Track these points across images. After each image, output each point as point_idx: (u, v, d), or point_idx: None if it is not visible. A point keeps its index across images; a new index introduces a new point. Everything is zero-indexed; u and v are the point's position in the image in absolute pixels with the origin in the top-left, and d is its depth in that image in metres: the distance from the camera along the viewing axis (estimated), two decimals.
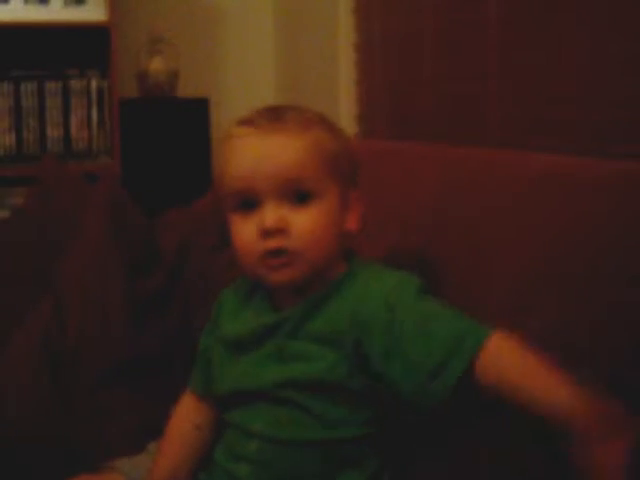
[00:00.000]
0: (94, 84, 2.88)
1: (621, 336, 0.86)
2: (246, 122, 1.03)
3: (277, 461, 0.99)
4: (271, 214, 0.97)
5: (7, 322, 1.42)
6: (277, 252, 0.97)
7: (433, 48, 1.95)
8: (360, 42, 2.46)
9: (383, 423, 0.99)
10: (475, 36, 1.75)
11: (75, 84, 2.88)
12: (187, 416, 1.13)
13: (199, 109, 2.87)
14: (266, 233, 0.97)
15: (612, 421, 0.78)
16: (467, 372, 0.87)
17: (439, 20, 1.91)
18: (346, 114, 2.48)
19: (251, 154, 1.00)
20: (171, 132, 2.85)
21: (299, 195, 0.99)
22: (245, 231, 1.00)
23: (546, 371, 0.83)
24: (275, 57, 3.20)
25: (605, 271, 0.90)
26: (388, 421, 1.00)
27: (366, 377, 0.96)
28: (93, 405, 1.27)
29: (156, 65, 2.90)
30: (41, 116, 2.87)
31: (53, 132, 2.88)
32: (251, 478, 0.99)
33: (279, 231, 0.97)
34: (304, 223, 0.98)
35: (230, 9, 3.18)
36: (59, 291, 1.42)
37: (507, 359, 0.86)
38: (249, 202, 1.00)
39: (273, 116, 1.02)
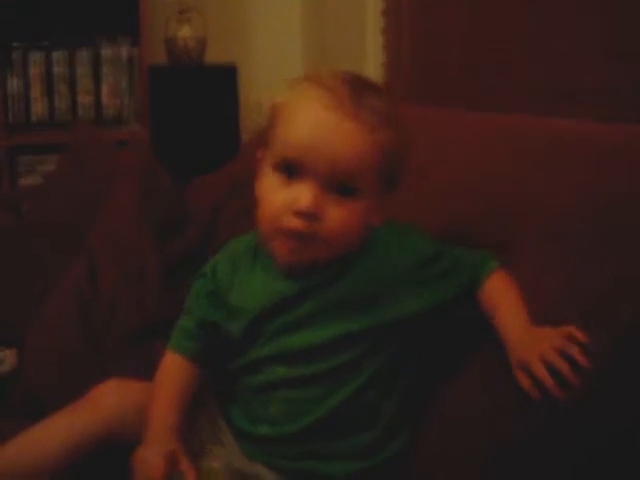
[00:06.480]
0: (124, 52, 2.90)
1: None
2: (326, 88, 0.95)
3: (299, 416, 0.99)
4: (309, 195, 0.93)
5: (43, 285, 1.46)
6: (300, 235, 0.95)
7: (462, 13, 1.94)
8: (388, 7, 2.45)
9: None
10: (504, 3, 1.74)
11: (105, 52, 2.91)
12: (176, 378, 1.08)
13: (227, 76, 2.88)
14: (297, 213, 0.94)
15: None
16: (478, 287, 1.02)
17: None
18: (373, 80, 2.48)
19: (316, 128, 0.93)
20: (200, 99, 2.86)
21: (344, 188, 0.95)
22: (278, 197, 0.96)
23: (516, 305, 0.97)
24: (302, 23, 3.20)
25: (619, 236, 0.91)
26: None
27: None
28: (126, 364, 1.30)
29: (185, 32, 2.91)
30: (72, 83, 2.90)
31: (84, 99, 2.91)
32: (272, 433, 1.00)
33: (311, 215, 0.94)
34: (339, 216, 0.94)
35: None
36: (92, 254, 1.45)
37: (500, 286, 1.02)
38: (293, 170, 0.95)
39: (356, 96, 0.94)
